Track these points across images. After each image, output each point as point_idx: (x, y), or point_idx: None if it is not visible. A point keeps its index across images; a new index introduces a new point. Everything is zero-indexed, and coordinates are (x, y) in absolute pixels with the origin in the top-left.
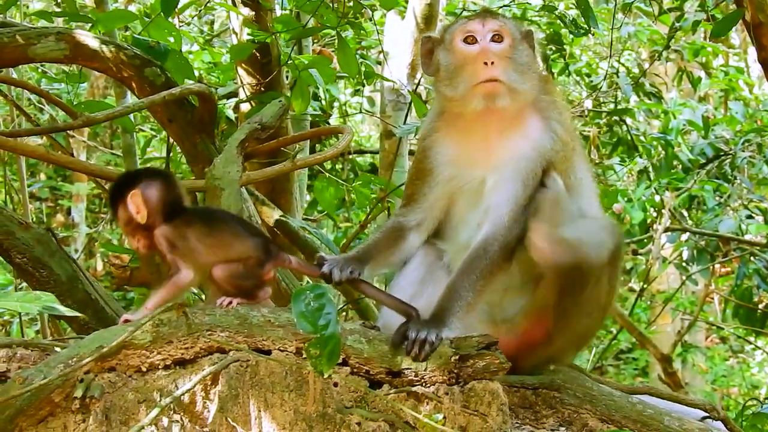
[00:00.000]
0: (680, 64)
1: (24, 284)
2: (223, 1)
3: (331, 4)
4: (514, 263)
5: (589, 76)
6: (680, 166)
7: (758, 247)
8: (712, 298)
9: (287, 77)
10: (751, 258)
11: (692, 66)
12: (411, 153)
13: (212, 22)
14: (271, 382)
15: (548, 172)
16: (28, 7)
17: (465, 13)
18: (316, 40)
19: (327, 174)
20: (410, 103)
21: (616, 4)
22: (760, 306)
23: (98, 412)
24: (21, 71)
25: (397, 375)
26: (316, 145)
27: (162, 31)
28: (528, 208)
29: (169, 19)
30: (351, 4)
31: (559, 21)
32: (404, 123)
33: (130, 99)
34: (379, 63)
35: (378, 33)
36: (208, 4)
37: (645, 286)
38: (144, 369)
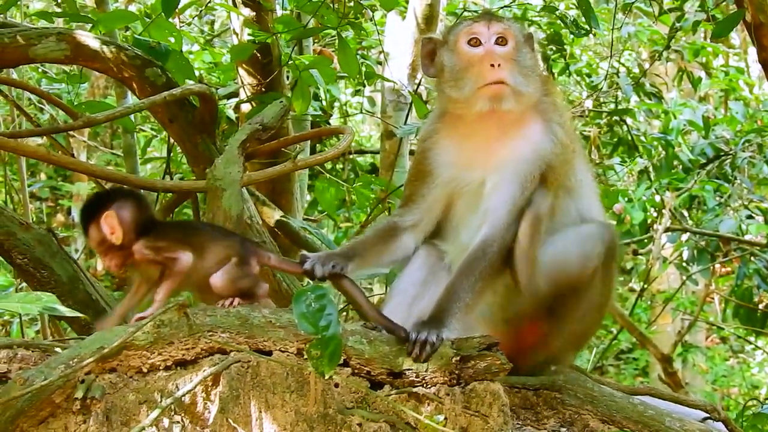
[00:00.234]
0: (680, 64)
1: (24, 285)
2: (223, 1)
3: (331, 5)
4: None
5: (589, 76)
6: (681, 167)
7: (758, 247)
8: (713, 298)
9: (288, 77)
10: (752, 258)
11: (692, 66)
12: (412, 153)
13: (212, 23)
14: (272, 383)
15: (546, 176)
16: (28, 8)
17: (466, 14)
18: (316, 41)
19: (327, 174)
20: (411, 104)
21: (616, 5)
22: (761, 306)
23: (99, 413)
24: (21, 71)
25: (398, 376)
26: (317, 145)
27: (163, 31)
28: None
29: (170, 20)
30: (351, 4)
31: (559, 21)
32: (405, 123)
33: (131, 99)
34: (380, 63)
35: (378, 33)
36: (209, 5)
37: (645, 286)
38: (145, 370)
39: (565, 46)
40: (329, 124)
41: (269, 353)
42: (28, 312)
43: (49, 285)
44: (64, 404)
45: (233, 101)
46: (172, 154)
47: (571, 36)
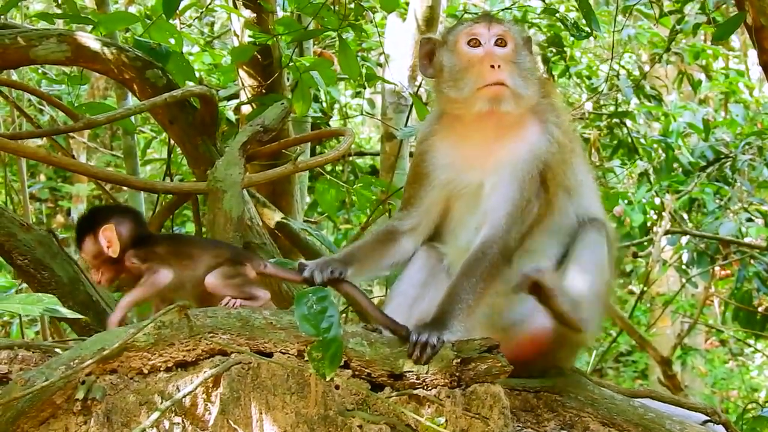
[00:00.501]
0: (681, 66)
1: (24, 286)
2: (224, 3)
3: (332, 7)
4: (515, 269)
5: (589, 78)
6: (680, 169)
7: (758, 250)
8: (712, 301)
9: (288, 79)
10: (751, 261)
11: (693, 69)
12: (412, 155)
13: (212, 24)
14: (272, 385)
15: (545, 176)
16: (28, 9)
17: (466, 16)
18: (317, 42)
19: (328, 176)
20: (411, 106)
21: (617, 7)
22: (760, 309)
23: (99, 414)
24: (21, 73)
25: (399, 378)
26: (316, 147)
27: (163, 32)
28: (526, 211)
29: (171, 21)
30: (352, 6)
31: (559, 23)
32: (405, 125)
33: (131, 101)
34: (380, 65)
35: (379, 35)
36: (209, 6)
37: (645, 288)
38: (145, 371)
39: (565, 49)
40: (329, 126)
41: (270, 355)
42: (30, 313)
43: (50, 286)
44: (65, 405)
45: (234, 103)
46: (172, 156)
47: (571, 38)
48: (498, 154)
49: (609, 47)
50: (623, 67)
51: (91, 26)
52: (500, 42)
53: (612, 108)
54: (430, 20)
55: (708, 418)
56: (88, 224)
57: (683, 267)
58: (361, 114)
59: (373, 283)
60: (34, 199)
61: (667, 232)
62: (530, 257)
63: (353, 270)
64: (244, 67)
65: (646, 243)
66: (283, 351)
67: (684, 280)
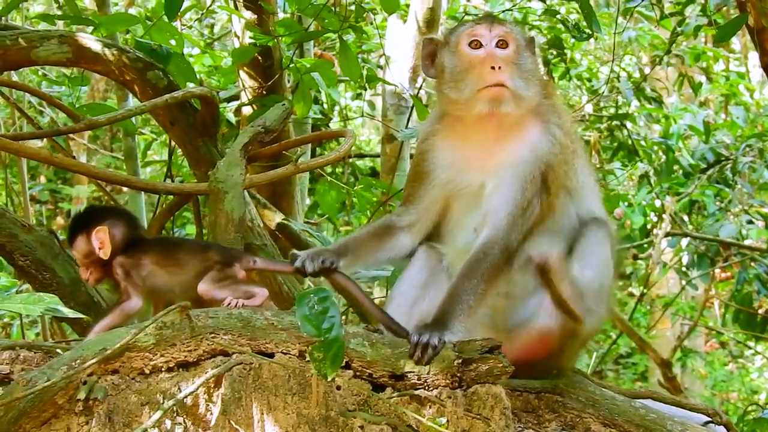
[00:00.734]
0: (681, 68)
1: (25, 286)
2: (224, 4)
3: (332, 8)
4: (517, 272)
5: (589, 80)
6: (681, 171)
7: (758, 252)
8: (712, 303)
9: (289, 81)
10: (752, 263)
11: (693, 71)
12: (413, 157)
13: (212, 26)
14: (274, 385)
15: (546, 177)
16: (28, 10)
17: (467, 18)
18: (317, 44)
19: (329, 177)
20: (412, 107)
21: (618, 9)
22: (760, 311)
23: (101, 415)
24: (21, 74)
25: (400, 378)
26: (317, 148)
27: (164, 34)
28: (528, 212)
29: (171, 23)
30: (353, 7)
31: (560, 25)
32: (406, 127)
33: (132, 102)
34: (381, 67)
35: (380, 37)
36: (210, 8)
37: (645, 290)
38: (147, 371)
39: (566, 51)
40: (329, 127)
41: (271, 355)
42: (31, 313)
43: (51, 287)
44: (67, 405)
45: (234, 104)
46: (172, 157)
47: (572, 40)
48: (499, 155)
49: (609, 49)
50: (624, 69)
51: (92, 27)
52: (501, 43)
53: (612, 110)
54: (431, 22)
55: (709, 419)
56: (83, 223)
57: (683, 269)
58: (362, 115)
59: (373, 284)
60: (35, 201)
61: (667, 234)
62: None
63: (346, 261)
64: (245, 68)
65: (646, 245)
66: (284, 351)
67: (684, 282)
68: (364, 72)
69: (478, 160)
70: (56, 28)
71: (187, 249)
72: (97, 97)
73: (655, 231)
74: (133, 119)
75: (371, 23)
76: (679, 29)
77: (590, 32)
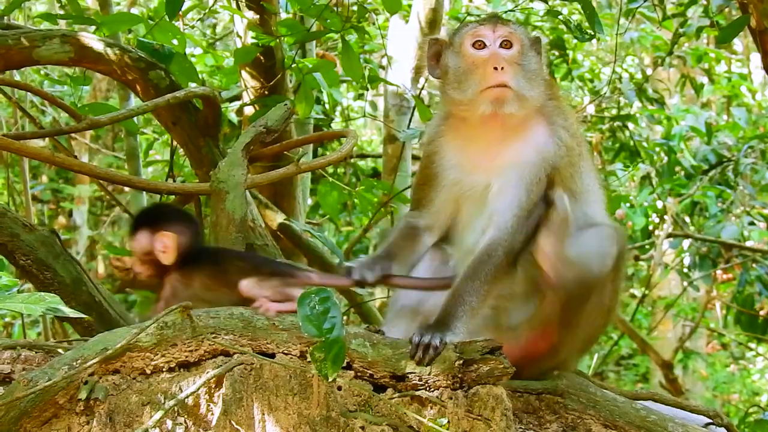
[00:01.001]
0: (683, 70)
1: (26, 286)
2: (227, 4)
3: (335, 8)
4: (520, 270)
5: (591, 81)
6: (683, 172)
7: (760, 254)
8: (714, 305)
9: (291, 81)
10: (753, 264)
11: (695, 72)
12: (414, 158)
13: (215, 26)
14: (275, 386)
15: (552, 179)
16: (31, 10)
17: (469, 18)
18: (319, 44)
19: (330, 178)
20: (414, 108)
21: (620, 10)
22: (762, 313)
23: (102, 415)
24: (23, 73)
25: (401, 379)
26: (318, 149)
27: (166, 34)
28: (533, 214)
29: (173, 22)
30: (355, 8)
31: (562, 26)
32: (408, 127)
33: (134, 102)
34: (383, 67)
35: (382, 37)
36: (212, 8)
37: (646, 292)
38: (148, 371)
39: (568, 51)
40: (331, 128)
41: (272, 356)
42: (32, 312)
43: (53, 287)
44: (68, 405)
45: (236, 104)
46: (174, 157)
47: (574, 41)
48: (504, 156)
49: (611, 50)
50: (626, 70)
51: (94, 27)
52: (506, 44)
53: (614, 111)
54: (433, 22)
55: (710, 421)
56: (152, 220)
57: (685, 270)
58: (364, 116)
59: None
60: (36, 200)
61: (669, 236)
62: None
63: (395, 264)
64: (247, 68)
65: (647, 246)
66: (285, 352)
67: (686, 284)
68: (366, 72)
69: (483, 160)
70: (58, 28)
71: (239, 267)
72: (99, 97)
73: (656, 232)
74: (135, 119)
75: (373, 23)
76: (681, 30)
77: (592, 33)
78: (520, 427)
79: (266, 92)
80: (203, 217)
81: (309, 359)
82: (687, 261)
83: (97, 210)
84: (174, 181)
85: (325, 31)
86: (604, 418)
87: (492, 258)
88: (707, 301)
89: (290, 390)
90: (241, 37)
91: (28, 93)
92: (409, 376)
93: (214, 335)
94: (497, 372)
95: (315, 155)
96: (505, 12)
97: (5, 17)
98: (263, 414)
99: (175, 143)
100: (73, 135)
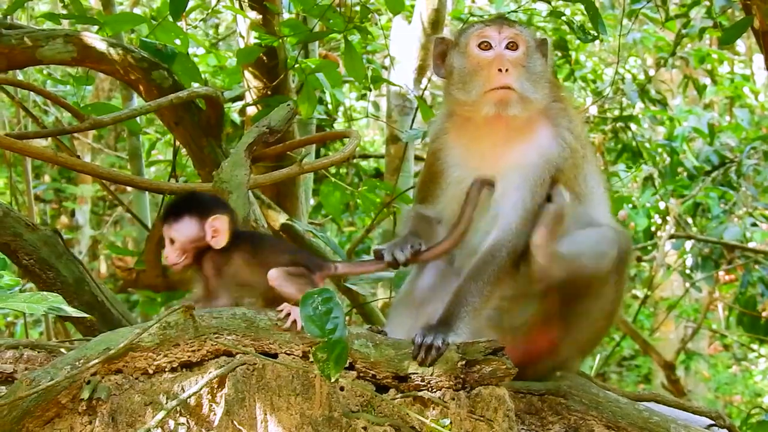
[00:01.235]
0: (686, 71)
1: (28, 286)
2: (230, 4)
3: (337, 9)
4: (522, 271)
5: (594, 82)
6: (685, 173)
7: (762, 255)
8: (716, 306)
9: (294, 81)
10: (755, 266)
11: (698, 73)
12: (417, 158)
13: (218, 26)
14: (277, 386)
15: (557, 181)
16: (33, 9)
17: (472, 19)
18: (322, 44)
19: (333, 178)
20: (416, 108)
21: (623, 11)
22: (764, 314)
23: (105, 414)
24: (26, 73)
25: (404, 380)
26: (321, 149)
27: (169, 34)
28: (536, 216)
29: (176, 22)
30: (358, 8)
31: (565, 27)
32: (410, 128)
33: (136, 101)
34: (386, 68)
35: (384, 38)
36: (215, 8)
37: (649, 293)
38: (151, 371)
39: (571, 52)
40: (333, 128)
41: (275, 356)
42: (35, 312)
43: (55, 286)
44: (70, 405)
45: (239, 104)
46: (177, 157)
47: (577, 42)
48: (508, 157)
49: (614, 51)
50: (628, 71)
51: (97, 27)
52: (511, 45)
53: (617, 112)
54: (436, 23)
55: (713, 422)
56: (198, 207)
57: (687, 271)
58: (366, 116)
59: (377, 285)
60: (39, 200)
61: (671, 237)
62: None
63: (423, 242)
64: (250, 68)
65: (650, 247)
66: (288, 352)
67: (688, 285)
68: (369, 73)
69: (488, 161)
70: (61, 28)
71: (274, 249)
72: (102, 97)
73: (659, 233)
74: (138, 119)
75: (376, 24)
76: (684, 31)
77: (595, 34)
78: (523, 428)
79: (269, 92)
80: None
81: (311, 360)
82: (689, 262)
83: (99, 210)
84: (176, 181)
85: (328, 32)
86: (606, 419)
87: (496, 259)
88: (709, 303)
89: (293, 390)
90: (243, 38)
91: (31, 93)
92: (412, 376)
93: (216, 335)
94: (500, 373)
95: (318, 155)
96: (509, 13)
97: (8, 17)
98: (266, 414)
99: (177, 143)
100: (75, 135)
